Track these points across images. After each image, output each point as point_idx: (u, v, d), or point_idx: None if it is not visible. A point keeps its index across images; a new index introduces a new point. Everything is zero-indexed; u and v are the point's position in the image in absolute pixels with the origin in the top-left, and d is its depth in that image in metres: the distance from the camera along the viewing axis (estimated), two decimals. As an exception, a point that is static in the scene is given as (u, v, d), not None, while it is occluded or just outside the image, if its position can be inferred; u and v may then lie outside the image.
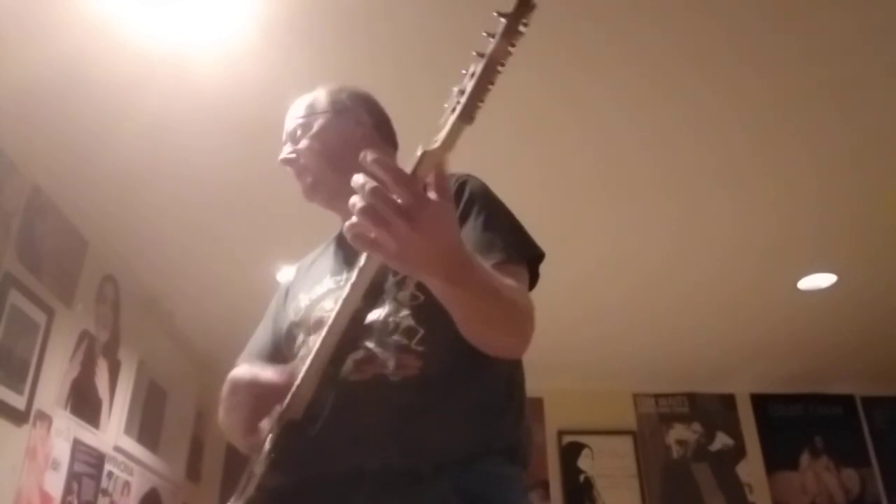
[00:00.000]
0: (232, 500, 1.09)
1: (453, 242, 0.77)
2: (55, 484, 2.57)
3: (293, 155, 1.22)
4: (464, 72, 0.70)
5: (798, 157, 2.46)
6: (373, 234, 0.72)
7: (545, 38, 1.90)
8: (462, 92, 0.70)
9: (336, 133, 1.21)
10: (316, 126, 1.22)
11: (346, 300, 0.94)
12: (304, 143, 1.21)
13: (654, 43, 1.99)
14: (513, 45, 0.68)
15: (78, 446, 2.73)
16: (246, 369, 1.10)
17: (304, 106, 1.25)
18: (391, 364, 1.00)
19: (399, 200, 0.70)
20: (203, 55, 1.99)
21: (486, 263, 0.94)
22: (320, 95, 1.26)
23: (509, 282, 0.94)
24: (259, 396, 1.03)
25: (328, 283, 1.16)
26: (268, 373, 1.06)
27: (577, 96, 2.20)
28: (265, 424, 1.05)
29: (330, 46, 1.97)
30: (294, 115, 1.25)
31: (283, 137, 1.26)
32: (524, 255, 1.05)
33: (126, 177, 2.51)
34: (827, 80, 2.13)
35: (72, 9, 1.82)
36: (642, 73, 2.10)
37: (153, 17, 1.87)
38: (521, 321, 0.94)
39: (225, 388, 1.11)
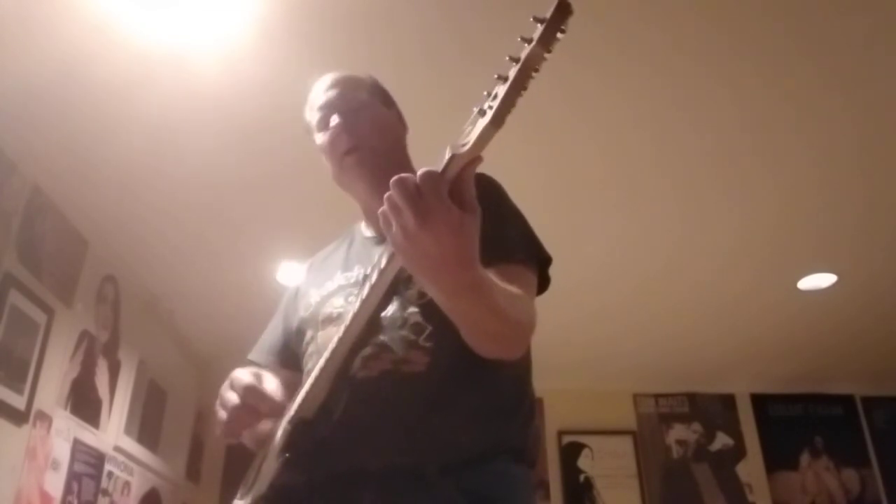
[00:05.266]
0: (238, 495, 1.09)
1: (464, 258, 0.75)
2: (55, 484, 2.57)
3: (350, 119, 1.15)
4: (496, 76, 0.68)
5: (799, 157, 2.46)
6: (392, 224, 0.74)
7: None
8: (493, 96, 0.68)
9: (387, 121, 1.22)
10: (373, 106, 1.20)
11: (364, 302, 0.93)
12: (362, 115, 1.16)
13: (658, 44, 1.99)
14: (549, 52, 0.66)
15: (78, 446, 2.73)
16: (249, 372, 1.04)
17: (354, 81, 1.22)
18: (398, 360, 0.99)
19: (419, 194, 0.71)
20: (203, 55, 1.99)
21: (490, 258, 0.94)
22: (367, 79, 1.25)
23: (515, 291, 0.92)
24: (248, 405, 0.97)
25: (339, 279, 1.15)
26: (271, 384, 1.01)
27: (580, 96, 2.20)
28: (266, 425, 1.03)
29: (329, 47, 1.97)
30: (345, 87, 1.20)
31: (327, 102, 1.18)
32: (532, 257, 1.04)
33: (126, 177, 2.51)
34: (828, 81, 2.13)
35: (72, 9, 1.82)
36: (644, 72, 2.10)
37: (153, 17, 1.87)
38: (519, 339, 0.94)
39: (225, 383, 1.07)
